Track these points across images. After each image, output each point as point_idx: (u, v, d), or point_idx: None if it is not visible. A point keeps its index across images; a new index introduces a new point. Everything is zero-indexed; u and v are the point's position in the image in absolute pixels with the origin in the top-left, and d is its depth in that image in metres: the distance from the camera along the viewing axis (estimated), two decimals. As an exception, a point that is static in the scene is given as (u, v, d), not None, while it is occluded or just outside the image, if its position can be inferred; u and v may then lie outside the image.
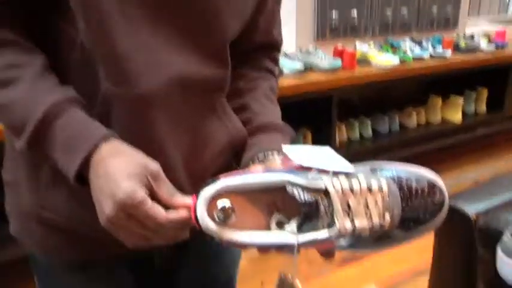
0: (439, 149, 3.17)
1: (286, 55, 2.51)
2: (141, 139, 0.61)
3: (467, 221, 0.98)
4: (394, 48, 2.80)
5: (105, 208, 0.55)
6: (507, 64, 3.20)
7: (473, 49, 3.09)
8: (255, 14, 0.73)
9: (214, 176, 0.56)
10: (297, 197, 0.52)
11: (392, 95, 3.03)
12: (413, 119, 3.00)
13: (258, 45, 0.79)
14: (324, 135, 2.57)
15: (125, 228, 0.56)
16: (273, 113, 0.77)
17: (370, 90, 2.76)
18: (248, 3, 0.70)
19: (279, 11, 0.80)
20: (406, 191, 0.56)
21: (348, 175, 0.54)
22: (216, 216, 0.53)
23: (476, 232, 0.99)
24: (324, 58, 2.53)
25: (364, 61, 2.69)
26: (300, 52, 2.60)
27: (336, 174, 0.54)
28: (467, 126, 3.24)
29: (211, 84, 0.67)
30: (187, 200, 0.56)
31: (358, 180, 0.54)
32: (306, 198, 0.52)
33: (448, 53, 2.93)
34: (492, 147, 3.47)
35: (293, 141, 0.73)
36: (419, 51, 2.85)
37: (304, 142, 2.58)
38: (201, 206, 0.53)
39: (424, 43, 2.95)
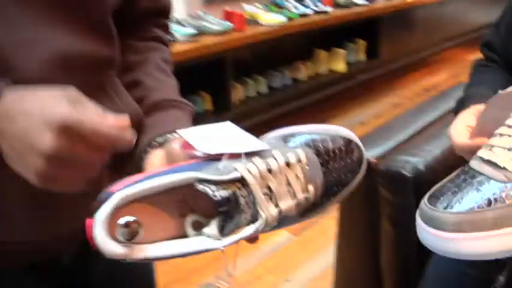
0: (328, 97, 3.43)
1: (177, 21, 2.58)
2: None
3: (369, 166, 1.00)
4: (279, 8, 2.97)
5: (41, 145, 0.43)
6: (379, 16, 3.53)
7: (350, 3, 3.36)
8: None
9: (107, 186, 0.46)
10: (210, 194, 0.45)
11: (282, 51, 3.22)
12: (303, 72, 3.22)
13: (145, 12, 0.73)
14: (222, 96, 2.70)
15: (70, 161, 0.45)
16: (169, 88, 0.70)
17: (262, 49, 2.91)
18: None
19: None
20: (324, 155, 0.52)
21: (262, 154, 0.49)
22: (120, 236, 0.44)
23: (378, 176, 1.07)
24: (215, 22, 2.63)
25: (253, 21, 2.83)
26: (191, 17, 2.67)
27: (248, 156, 0.48)
28: (350, 75, 3.53)
29: (97, 60, 0.60)
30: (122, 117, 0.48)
31: (274, 157, 0.49)
32: (221, 194, 0.45)
33: (329, 8, 3.16)
34: (372, 91, 3.81)
35: (194, 116, 0.68)
36: (303, 8, 3.05)
37: (204, 105, 2.70)
38: (100, 232, 0.43)
39: (306, 0, 3.14)
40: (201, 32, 2.58)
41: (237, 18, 2.69)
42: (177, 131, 0.55)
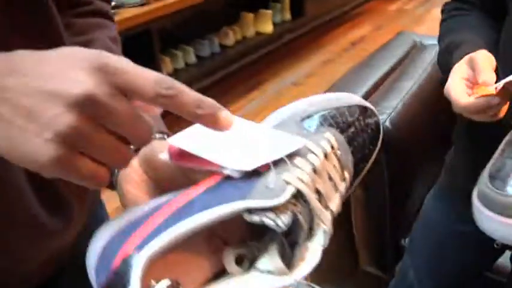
0: (257, 60, 3.35)
1: (92, -6, 2.36)
2: None
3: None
4: (199, -29, 2.80)
5: (55, 120, 0.30)
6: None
7: (271, -39, 3.24)
8: None
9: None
10: (273, 226, 0.34)
11: (208, 18, 3.07)
12: (231, 37, 3.10)
13: None
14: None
15: (92, 140, 0.32)
16: None
17: (186, 16, 2.76)
18: None
19: None
20: (348, 132, 0.45)
21: (299, 152, 0.40)
22: None
23: None
24: (133, -9, 2.44)
25: (173, -12, 2.66)
26: (106, -12, 2.45)
27: (290, 159, 0.39)
28: (277, 35, 3.45)
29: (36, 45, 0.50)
30: None
31: (313, 152, 0.40)
32: (284, 221, 0.35)
33: (250, -32, 3.03)
34: (301, 50, 3.77)
35: None
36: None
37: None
38: None
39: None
40: (119, 5, 2.38)
41: (156, -14, 2.50)
42: (168, 139, 0.42)
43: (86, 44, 0.56)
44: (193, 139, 0.41)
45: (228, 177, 0.38)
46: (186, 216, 0.35)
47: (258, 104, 2.99)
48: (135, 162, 0.47)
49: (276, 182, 0.36)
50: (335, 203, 0.41)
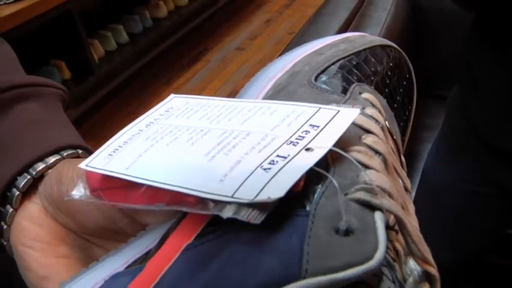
0: (195, 29, 3.15)
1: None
2: None
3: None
4: None
5: None
6: None
7: None
8: None
9: None
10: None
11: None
12: (163, 8, 2.85)
13: None
14: (79, 58, 2.29)
15: None
16: (3, 63, 0.38)
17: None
18: None
19: None
20: (384, 88, 0.28)
21: (352, 136, 0.22)
22: None
23: None
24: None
25: (90, -39, 2.38)
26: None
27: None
28: (211, 0, 3.24)
29: None
30: None
31: (371, 131, 0.22)
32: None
33: None
34: (239, 12, 3.57)
35: (65, 102, 0.37)
36: None
37: (61, 75, 2.28)
38: None
39: None
40: (30, -13, 2.10)
41: (69, -39, 2.22)
42: (86, 163, 0.24)
43: None
44: (126, 153, 0.23)
45: (225, 220, 0.17)
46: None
47: (204, 75, 2.80)
48: (34, 207, 0.28)
49: (350, 212, 0.17)
50: (413, 215, 0.23)
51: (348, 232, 0.16)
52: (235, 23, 3.43)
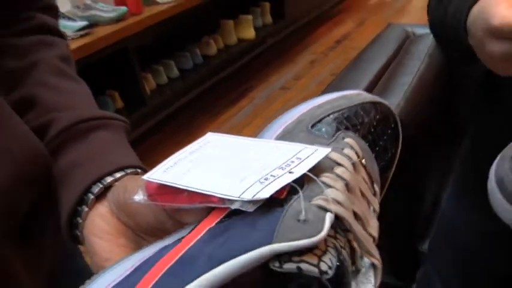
0: (242, 67, 3.28)
1: (63, 16, 2.26)
2: None
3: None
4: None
5: None
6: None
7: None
8: None
9: None
10: (314, 273, 0.25)
11: (187, 29, 2.98)
12: (213, 46, 3.01)
13: None
14: (132, 90, 2.45)
15: None
16: (80, 99, 0.47)
17: (164, 29, 2.67)
18: None
19: None
20: (368, 135, 0.37)
21: (323, 166, 0.30)
22: None
23: None
24: (107, 8, 2.34)
25: (150, 0, 2.56)
26: (78, 9, 2.36)
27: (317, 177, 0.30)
28: (260, 40, 3.37)
29: None
30: None
31: (341, 164, 0.31)
32: (329, 264, 0.26)
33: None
34: (285, 53, 3.70)
35: (128, 132, 0.46)
36: (198, -22, 2.81)
37: (115, 105, 2.44)
38: None
39: (200, -31, 2.91)
40: (94, 23, 2.28)
41: (131, 0, 2.41)
42: (145, 176, 0.32)
43: (32, 66, 0.46)
44: (177, 170, 0.32)
45: (236, 213, 0.28)
46: (188, 275, 0.25)
47: (248, 111, 2.91)
48: (104, 209, 0.37)
49: (309, 211, 0.26)
50: (374, 226, 0.32)
51: (304, 222, 0.26)
52: (281, 63, 3.55)
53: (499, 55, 0.50)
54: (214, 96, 3.05)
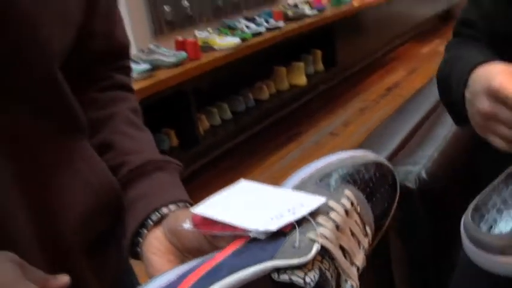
0: (293, 112, 3.39)
1: (129, 59, 2.45)
2: None
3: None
4: (231, 30, 2.90)
5: None
6: (330, 24, 3.50)
7: (300, 16, 3.32)
8: (86, 14, 0.54)
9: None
10: (301, 283, 0.36)
11: (241, 73, 3.14)
12: (265, 91, 3.15)
13: (100, 56, 0.60)
14: (187, 129, 2.60)
15: None
16: (147, 146, 0.58)
17: (220, 74, 2.83)
18: (68, 1, 0.50)
19: (116, 7, 0.61)
20: (366, 188, 0.47)
21: (321, 210, 0.41)
22: None
23: None
24: (168, 53, 2.53)
25: (208, 47, 2.74)
26: (142, 53, 2.56)
27: (313, 218, 0.41)
28: (311, 86, 3.49)
29: (56, 126, 0.49)
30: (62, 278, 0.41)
31: (334, 210, 0.41)
32: (312, 278, 0.37)
33: (281, 23, 3.11)
34: (336, 99, 3.78)
35: (181, 173, 0.58)
36: (255, 27, 2.98)
37: (170, 142, 2.59)
38: None
39: (257, 19, 3.08)
40: (156, 67, 2.47)
41: (190, 47, 2.59)
42: (191, 209, 0.44)
43: (109, 117, 0.59)
44: (215, 206, 0.43)
45: (254, 240, 0.40)
46: (215, 279, 0.36)
47: (297, 155, 2.99)
48: (159, 232, 0.48)
49: (302, 241, 0.38)
50: (360, 259, 0.43)
51: (298, 248, 0.37)
52: (331, 108, 3.63)
53: (484, 113, 0.59)
54: (265, 139, 3.16)
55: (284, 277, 0.37)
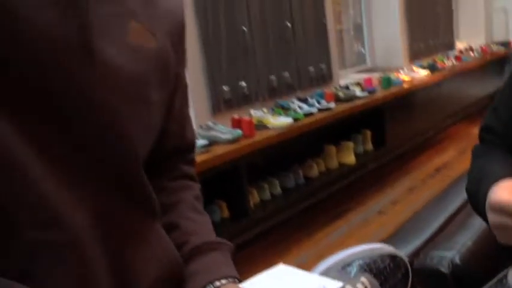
0: (341, 190, 3.44)
1: (189, 135, 2.64)
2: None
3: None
4: (285, 110, 3.07)
5: None
6: (380, 105, 3.64)
7: (351, 97, 3.48)
8: (166, 119, 0.67)
9: None
10: None
11: (293, 151, 3.27)
12: (315, 169, 3.26)
13: (172, 151, 0.72)
14: (238, 202, 2.72)
15: None
16: (206, 229, 0.70)
17: (272, 151, 2.98)
18: (153, 111, 0.62)
19: (187, 108, 0.74)
20: (380, 276, 0.58)
21: None
22: None
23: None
24: (225, 130, 2.71)
25: (262, 126, 2.91)
26: (201, 129, 2.75)
27: None
28: (360, 165, 3.56)
29: (139, 210, 0.61)
30: None
31: None
32: None
33: (332, 104, 3.27)
34: (384, 178, 3.82)
35: (232, 254, 0.69)
36: (307, 107, 3.15)
37: (221, 214, 2.70)
38: None
39: (309, 100, 3.26)
40: (213, 142, 2.64)
41: (245, 125, 2.77)
42: (239, 285, 0.59)
43: (177, 202, 0.71)
44: (256, 285, 0.57)
45: None
46: None
47: (343, 232, 3.02)
48: None
49: None
50: None
51: None
52: (379, 187, 3.67)
53: (492, 224, 0.68)
54: (313, 215, 3.21)
55: None
